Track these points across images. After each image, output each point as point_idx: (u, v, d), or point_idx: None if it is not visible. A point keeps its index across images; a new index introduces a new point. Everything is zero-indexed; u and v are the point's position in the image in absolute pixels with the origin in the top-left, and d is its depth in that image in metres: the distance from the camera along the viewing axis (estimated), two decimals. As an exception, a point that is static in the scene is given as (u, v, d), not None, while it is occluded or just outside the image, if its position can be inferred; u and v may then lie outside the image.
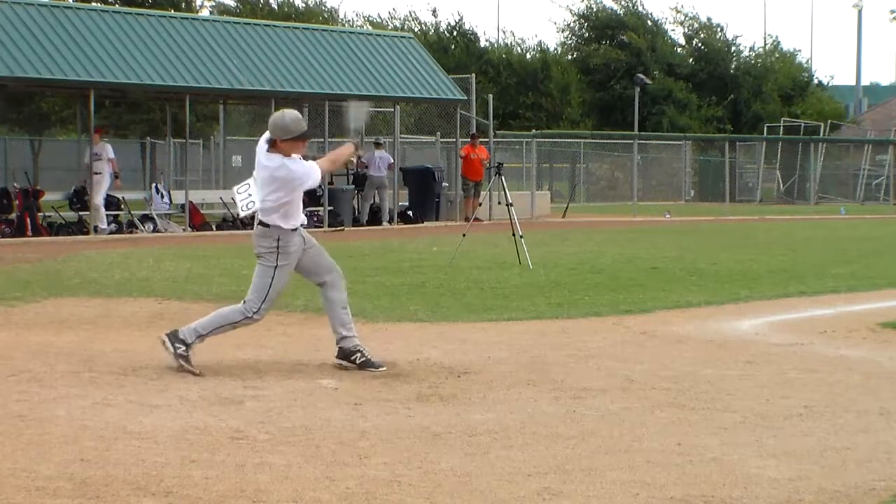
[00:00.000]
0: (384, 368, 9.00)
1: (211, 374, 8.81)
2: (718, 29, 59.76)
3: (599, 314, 12.72)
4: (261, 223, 9.02)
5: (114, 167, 26.86)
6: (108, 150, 26.65)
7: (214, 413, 7.55)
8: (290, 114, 9.00)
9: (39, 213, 26.24)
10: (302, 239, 9.06)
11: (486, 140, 34.64)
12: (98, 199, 26.18)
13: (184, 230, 27.49)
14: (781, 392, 8.50)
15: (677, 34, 60.39)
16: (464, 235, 19.26)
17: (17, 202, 25.94)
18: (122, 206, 27.93)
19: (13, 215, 25.86)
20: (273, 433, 7.02)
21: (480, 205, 28.86)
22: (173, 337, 8.98)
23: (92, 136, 26.51)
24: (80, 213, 26.76)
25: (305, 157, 9.05)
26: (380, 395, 8.21)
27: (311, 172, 8.97)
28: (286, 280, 9.10)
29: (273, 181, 8.86)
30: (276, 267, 8.96)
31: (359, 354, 9.08)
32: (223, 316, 9.15)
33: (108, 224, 27.07)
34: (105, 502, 5.62)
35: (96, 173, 26.19)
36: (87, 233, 25.87)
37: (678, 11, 60.64)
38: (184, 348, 8.90)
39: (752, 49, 60.98)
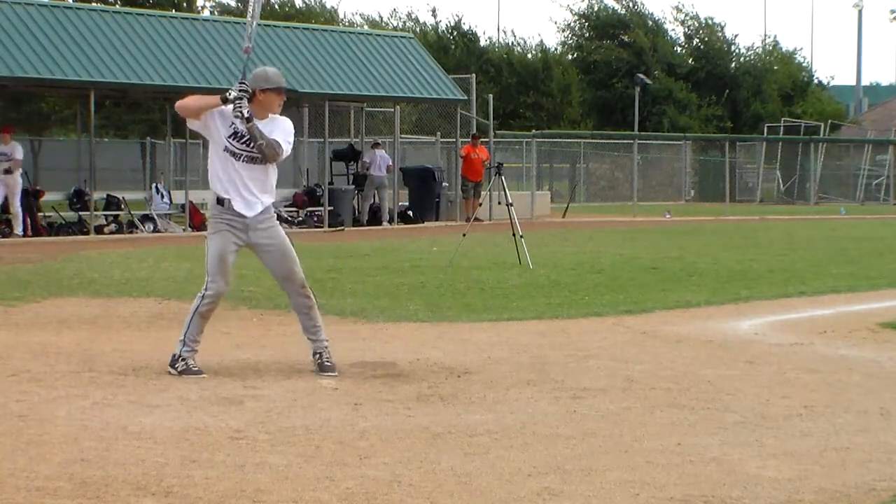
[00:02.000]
0: (335, 374, 8.85)
1: (211, 374, 8.81)
2: (718, 28, 59.85)
3: (599, 314, 12.72)
4: None
5: (19, 167, 25.63)
6: (17, 150, 25.51)
7: (214, 413, 7.55)
8: (270, 68, 9.16)
9: (39, 213, 26.25)
10: (237, 215, 8.89)
11: (487, 140, 34.64)
12: (16, 201, 25.21)
13: (184, 230, 27.49)
14: (781, 392, 8.50)
15: (677, 33, 60.53)
16: (464, 235, 19.27)
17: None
18: (123, 206, 27.95)
19: (13, 215, 25.85)
20: (273, 433, 7.02)
21: (480, 205, 28.86)
22: (172, 361, 8.91)
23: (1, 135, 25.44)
24: (80, 213, 26.76)
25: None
26: (380, 395, 8.21)
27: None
28: (221, 249, 8.94)
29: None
30: (207, 236, 9.06)
31: (317, 356, 9.03)
32: (190, 309, 9.10)
33: (108, 223, 27.06)
34: (105, 502, 5.61)
35: (7, 172, 25.15)
36: (87, 233, 25.88)
37: (679, 10, 60.79)
38: (182, 364, 8.86)
39: (749, 49, 61.11)
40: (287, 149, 8.92)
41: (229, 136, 8.88)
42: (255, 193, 8.92)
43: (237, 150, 8.89)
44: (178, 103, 9.15)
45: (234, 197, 8.89)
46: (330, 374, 8.87)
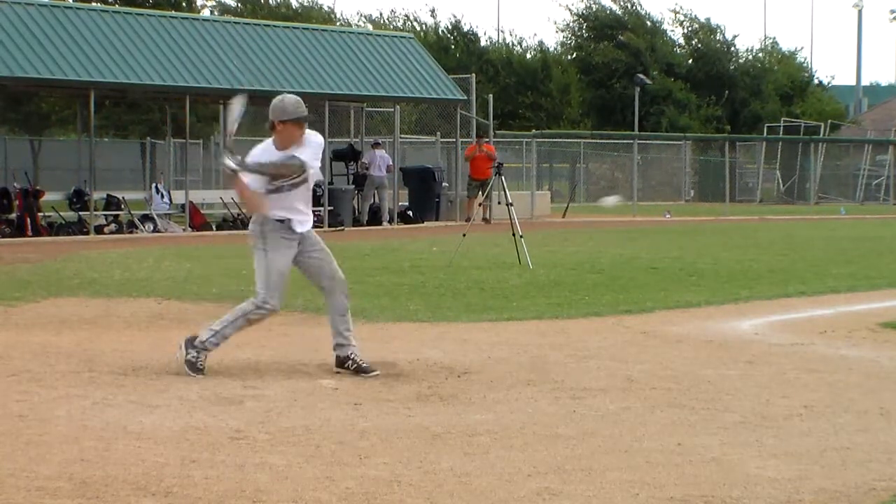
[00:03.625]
0: (377, 372, 8.93)
1: (211, 374, 8.81)
2: (718, 31, 59.87)
3: (599, 314, 12.72)
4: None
5: None
6: None
7: (214, 413, 7.55)
8: (289, 97, 9.14)
9: (39, 213, 26.25)
10: (295, 234, 9.01)
11: (487, 140, 34.62)
12: None
13: (184, 230, 27.49)
14: (781, 392, 8.50)
15: (676, 34, 60.53)
16: (464, 235, 19.26)
17: (17, 202, 25.95)
18: (123, 206, 27.94)
19: (13, 215, 25.87)
20: (273, 433, 7.02)
21: (480, 204, 28.81)
22: (189, 343, 8.91)
23: None
24: (80, 213, 26.77)
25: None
26: (380, 395, 8.21)
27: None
28: (283, 265, 8.97)
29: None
30: (265, 251, 8.99)
31: (350, 362, 9.03)
32: (238, 309, 9.12)
33: (108, 223, 27.07)
34: (105, 502, 5.62)
35: None
36: (87, 233, 25.88)
37: (677, 12, 60.81)
38: (195, 354, 8.86)
39: (748, 50, 61.14)
40: (313, 163, 9.01)
41: (267, 184, 9.01)
42: (304, 212, 9.12)
43: (280, 185, 9.02)
44: (248, 210, 9.34)
45: (292, 217, 9.04)
46: (373, 373, 8.91)
